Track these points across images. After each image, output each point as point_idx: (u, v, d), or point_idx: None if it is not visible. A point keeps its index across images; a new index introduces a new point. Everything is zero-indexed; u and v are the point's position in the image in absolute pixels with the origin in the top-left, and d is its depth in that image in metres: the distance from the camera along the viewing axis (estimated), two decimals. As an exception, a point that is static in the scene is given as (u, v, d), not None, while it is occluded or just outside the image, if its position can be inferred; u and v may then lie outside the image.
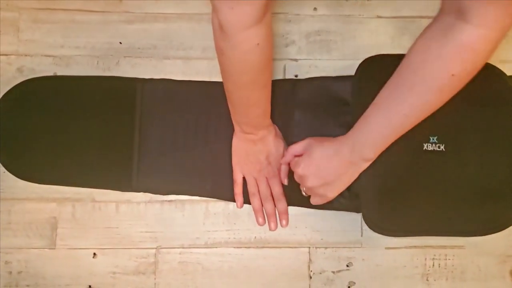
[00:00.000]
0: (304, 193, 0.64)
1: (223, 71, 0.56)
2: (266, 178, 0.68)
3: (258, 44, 0.49)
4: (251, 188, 0.68)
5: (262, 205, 0.69)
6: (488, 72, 0.62)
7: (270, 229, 0.69)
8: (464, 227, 0.66)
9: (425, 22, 0.72)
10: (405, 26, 0.74)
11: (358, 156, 0.56)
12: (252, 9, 0.46)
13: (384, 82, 0.54)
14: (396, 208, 0.66)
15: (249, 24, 0.47)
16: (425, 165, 0.66)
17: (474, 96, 0.62)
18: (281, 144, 0.68)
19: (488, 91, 0.67)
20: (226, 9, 0.45)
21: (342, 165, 0.57)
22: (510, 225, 0.66)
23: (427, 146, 0.67)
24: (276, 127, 0.68)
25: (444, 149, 0.66)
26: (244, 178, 0.69)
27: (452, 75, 0.46)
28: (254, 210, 0.69)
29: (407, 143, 0.67)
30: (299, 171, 0.59)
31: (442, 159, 0.66)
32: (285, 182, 0.68)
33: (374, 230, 0.65)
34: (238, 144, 0.68)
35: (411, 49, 0.50)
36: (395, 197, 0.66)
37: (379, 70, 0.60)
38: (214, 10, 0.47)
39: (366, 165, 0.58)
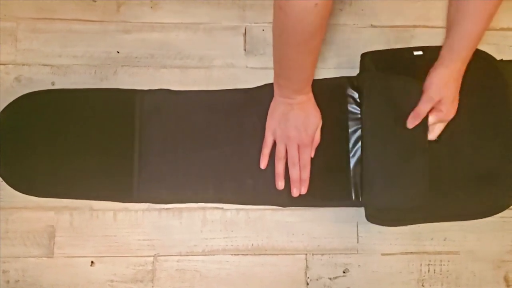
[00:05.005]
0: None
1: (277, 29, 0.56)
2: (298, 144, 0.68)
3: (316, 4, 0.49)
4: (279, 153, 0.68)
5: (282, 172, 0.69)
6: (477, 58, 0.63)
7: (292, 194, 0.68)
8: (460, 212, 0.67)
9: (419, 31, 0.75)
10: (398, 35, 0.75)
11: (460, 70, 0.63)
12: None
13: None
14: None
15: None
16: None
17: (464, 82, 0.64)
18: (318, 114, 0.67)
19: (478, 77, 0.68)
20: None
21: (453, 78, 0.63)
22: (506, 208, 0.68)
23: None
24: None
25: (436, 139, 0.67)
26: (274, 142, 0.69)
27: None
28: (276, 173, 0.69)
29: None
30: (445, 109, 0.64)
31: (435, 148, 0.67)
32: (312, 154, 0.69)
33: (375, 222, 0.66)
34: (276, 107, 0.67)
35: None
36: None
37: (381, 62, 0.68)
38: None
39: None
